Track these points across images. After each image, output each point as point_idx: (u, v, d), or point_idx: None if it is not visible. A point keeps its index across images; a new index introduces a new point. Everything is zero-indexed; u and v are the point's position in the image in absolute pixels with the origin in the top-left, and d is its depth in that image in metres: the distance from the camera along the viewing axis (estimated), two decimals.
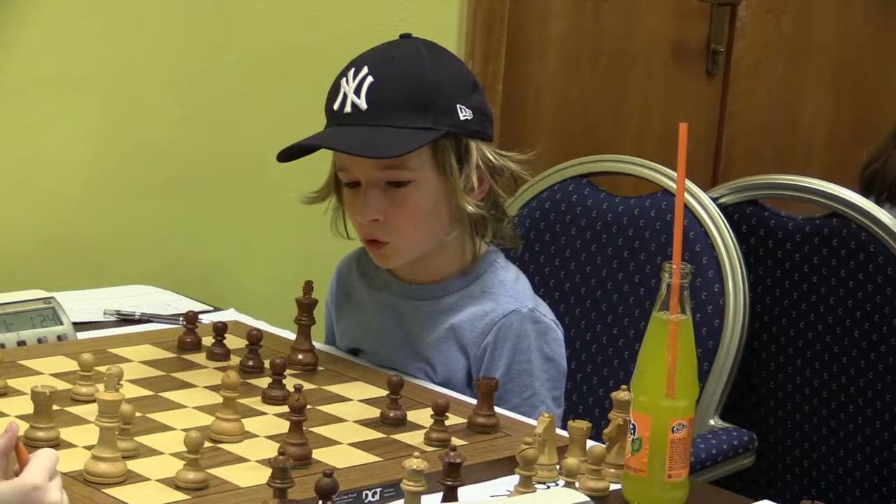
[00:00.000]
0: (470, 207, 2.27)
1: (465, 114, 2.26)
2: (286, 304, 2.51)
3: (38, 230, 2.77)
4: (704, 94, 3.90)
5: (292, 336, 2.37)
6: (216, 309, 2.63)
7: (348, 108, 2.24)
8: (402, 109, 2.23)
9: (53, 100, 2.77)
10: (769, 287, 2.75)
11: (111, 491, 1.79)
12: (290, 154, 2.29)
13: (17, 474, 1.57)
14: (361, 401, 2.18)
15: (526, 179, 2.45)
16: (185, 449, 1.83)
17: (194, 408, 2.10)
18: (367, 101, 2.23)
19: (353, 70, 2.26)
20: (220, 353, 2.31)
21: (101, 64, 2.81)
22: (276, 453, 1.87)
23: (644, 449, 1.88)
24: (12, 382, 2.12)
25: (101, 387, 1.96)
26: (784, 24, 3.99)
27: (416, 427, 2.08)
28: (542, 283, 2.77)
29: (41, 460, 1.58)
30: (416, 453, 1.81)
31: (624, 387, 1.99)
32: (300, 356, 2.29)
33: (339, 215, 2.38)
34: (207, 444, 1.88)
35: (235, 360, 2.29)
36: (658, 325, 1.88)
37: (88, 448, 1.86)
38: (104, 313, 2.57)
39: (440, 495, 1.76)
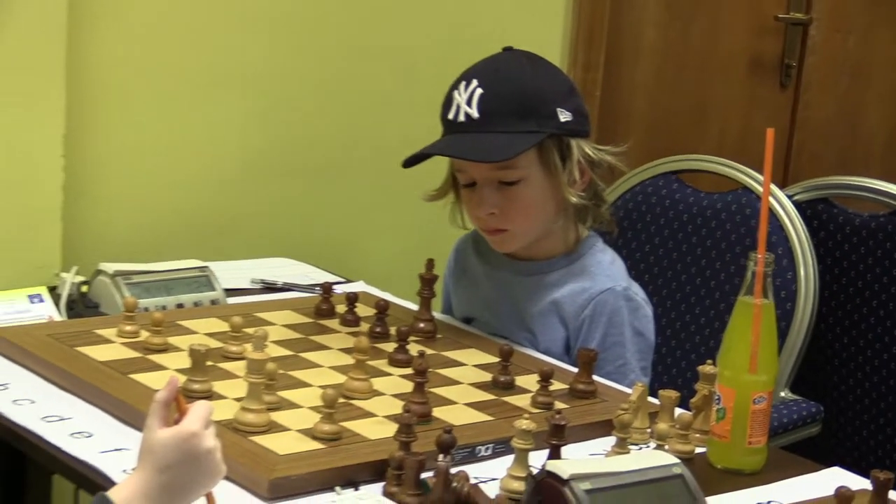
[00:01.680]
0: (573, 198, 2.25)
1: (564, 116, 2.23)
2: (409, 278, 2.49)
3: (196, 208, 2.77)
4: (778, 104, 3.83)
5: (414, 307, 2.34)
6: (347, 281, 2.61)
7: (462, 118, 2.21)
8: (509, 116, 2.20)
9: (216, 99, 2.77)
10: (836, 276, 2.71)
11: (257, 439, 1.78)
12: (413, 160, 2.27)
13: (176, 422, 1.55)
14: (475, 366, 2.15)
15: (622, 169, 2.41)
16: (321, 403, 1.82)
17: (329, 367, 2.08)
18: (479, 111, 2.20)
19: (463, 83, 2.24)
20: (351, 320, 2.28)
21: (255, 67, 2.81)
22: (400, 410, 1.86)
23: (728, 417, 1.86)
24: (172, 340, 2.11)
25: (248, 346, 1.95)
26: (850, 42, 3.90)
27: (524, 391, 2.05)
28: (633, 266, 2.70)
29: (198, 411, 1.56)
30: (526, 415, 1.79)
31: (709, 361, 1.96)
32: (421, 325, 2.26)
33: (457, 209, 2.36)
34: (341, 400, 1.86)
35: (365, 326, 2.26)
36: (743, 308, 1.85)
37: (237, 400, 1.84)
38: (251, 281, 2.56)
39: (545, 453, 1.73)
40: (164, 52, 2.68)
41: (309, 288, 2.53)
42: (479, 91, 2.20)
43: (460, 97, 2.22)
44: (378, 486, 1.71)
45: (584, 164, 2.25)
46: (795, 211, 2.64)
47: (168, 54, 2.68)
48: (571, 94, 2.28)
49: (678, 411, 1.93)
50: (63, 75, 2.46)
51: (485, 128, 2.20)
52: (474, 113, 2.20)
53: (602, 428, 1.93)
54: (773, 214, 2.61)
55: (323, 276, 2.61)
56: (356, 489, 1.71)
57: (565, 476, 1.59)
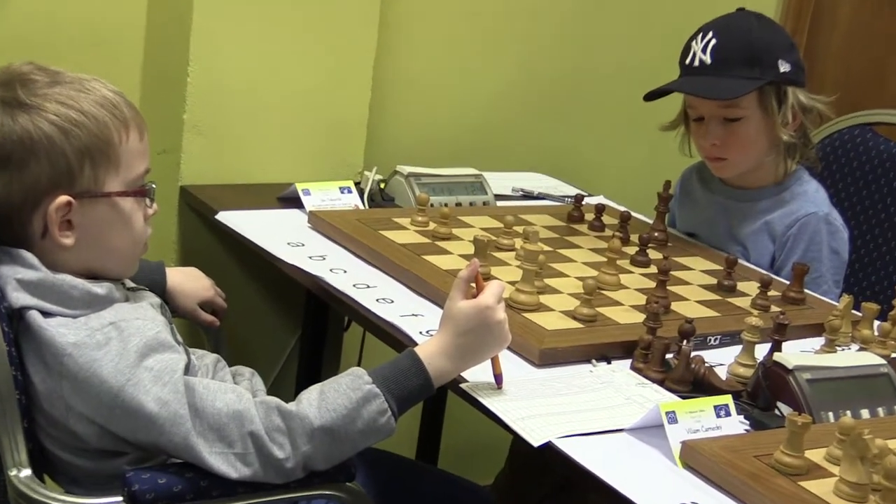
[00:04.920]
0: (785, 137, 2.14)
1: (784, 67, 2.11)
2: (638, 195, 2.39)
3: (471, 127, 2.69)
4: None
5: (648, 220, 2.25)
6: (589, 194, 2.51)
7: (696, 63, 2.11)
8: (736, 64, 2.09)
9: (490, 42, 2.68)
10: None
11: (529, 315, 1.73)
12: (653, 95, 2.16)
13: (474, 297, 1.51)
14: (701, 271, 2.05)
15: (830, 116, 2.27)
16: (581, 291, 1.75)
17: (581, 263, 2.00)
18: (711, 58, 2.09)
19: (700, 34, 2.13)
20: (598, 226, 2.21)
21: (521, 19, 2.72)
22: (642, 302, 1.78)
23: None
24: (455, 231, 2.06)
25: (518, 241, 1.88)
26: None
27: (743, 294, 1.95)
28: (833, 197, 2.56)
29: (494, 288, 1.51)
30: (756, 313, 1.68)
31: None
32: (656, 234, 2.17)
33: (685, 140, 2.25)
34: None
35: (609, 232, 2.17)
36: None
37: (511, 283, 1.77)
38: (512, 189, 2.49)
39: (765, 347, 1.63)
40: (449, 7, 2.61)
41: (559, 198, 2.45)
42: (714, 41, 2.10)
43: (697, 46, 2.12)
44: (626, 363, 1.64)
45: (797, 108, 2.14)
46: None
47: (452, 9, 2.61)
48: (791, 49, 2.16)
49: (876, 323, 1.81)
50: (376, 24, 2.41)
51: (715, 72, 2.09)
52: (707, 59, 2.10)
53: (809, 330, 1.83)
54: None
55: (569, 190, 2.53)
56: (608, 363, 1.65)
57: (790, 366, 1.54)
